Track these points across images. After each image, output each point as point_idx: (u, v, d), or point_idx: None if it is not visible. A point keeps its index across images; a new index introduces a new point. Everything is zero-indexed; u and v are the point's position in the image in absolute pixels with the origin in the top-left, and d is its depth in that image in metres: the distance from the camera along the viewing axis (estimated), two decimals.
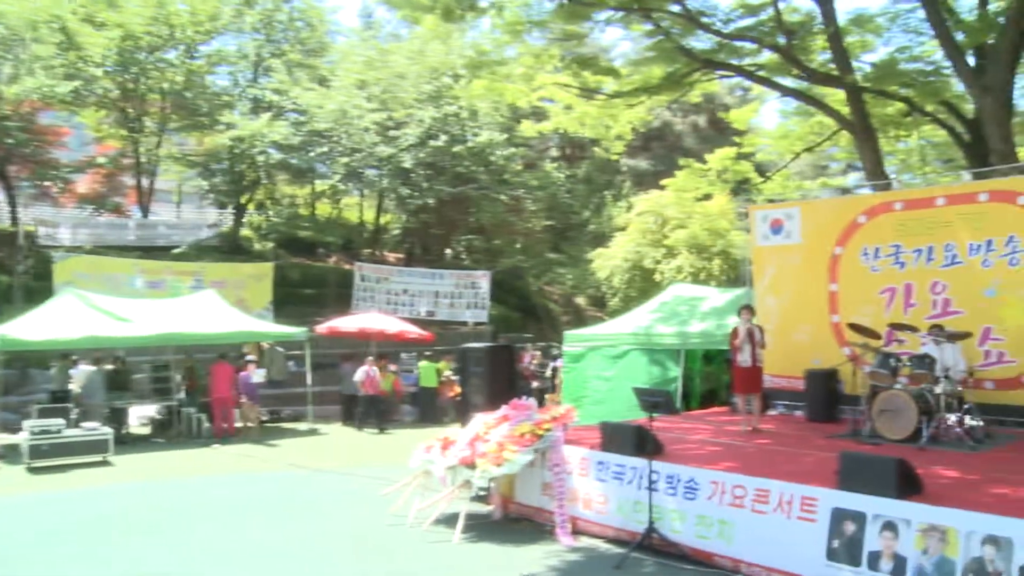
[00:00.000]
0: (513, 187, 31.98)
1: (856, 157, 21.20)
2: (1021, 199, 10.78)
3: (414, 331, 22.94)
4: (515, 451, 9.93)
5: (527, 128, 20.26)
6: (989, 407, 10.42)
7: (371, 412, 19.70)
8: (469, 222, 32.49)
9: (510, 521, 10.14)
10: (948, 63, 14.91)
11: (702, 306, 16.82)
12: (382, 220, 34.88)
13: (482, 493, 10.56)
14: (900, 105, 16.03)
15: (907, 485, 7.03)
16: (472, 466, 10.01)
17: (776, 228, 13.63)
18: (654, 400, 8.52)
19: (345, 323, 22.63)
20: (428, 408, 21.67)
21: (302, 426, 19.88)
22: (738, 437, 10.81)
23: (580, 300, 37.40)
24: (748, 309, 11.38)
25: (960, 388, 10.16)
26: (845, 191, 12.93)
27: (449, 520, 9.58)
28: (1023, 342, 10.69)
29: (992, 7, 15.20)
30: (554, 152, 39.54)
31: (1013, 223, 10.83)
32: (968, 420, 9.91)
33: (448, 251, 33.76)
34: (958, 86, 16.01)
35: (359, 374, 19.57)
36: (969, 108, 15.74)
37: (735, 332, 11.39)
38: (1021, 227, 10.76)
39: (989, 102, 13.10)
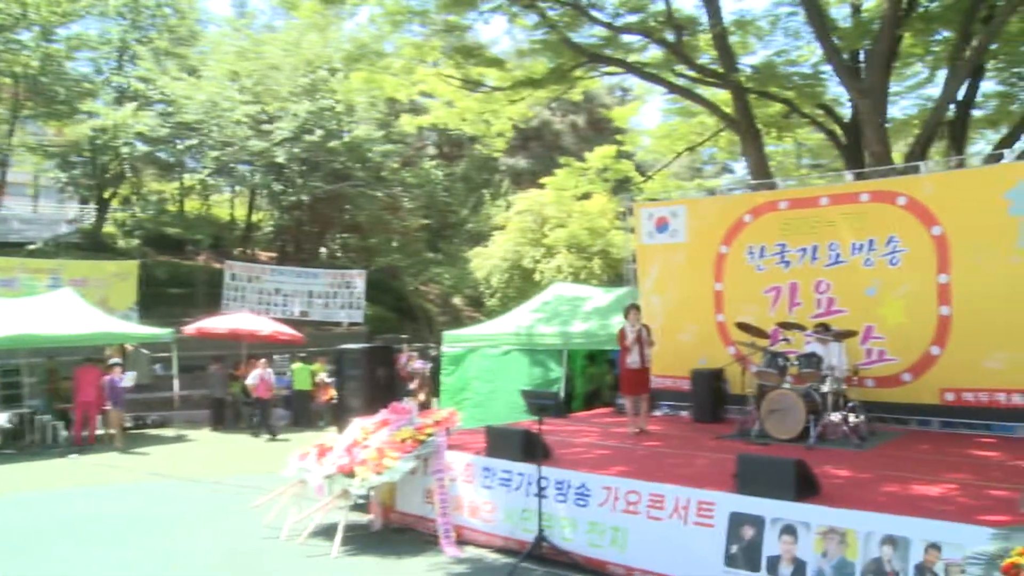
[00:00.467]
0: (390, 185, 31.39)
1: (733, 157, 21.62)
2: (900, 200, 10.97)
3: (287, 332, 22.02)
4: (396, 458, 9.50)
5: (406, 123, 19.67)
6: (870, 405, 10.56)
7: (266, 417, 18.86)
8: (344, 220, 31.66)
9: (391, 531, 9.65)
10: (827, 67, 15.23)
11: (584, 306, 16.67)
12: (254, 217, 33.60)
13: (361, 502, 9.98)
14: (780, 106, 16.26)
15: (805, 487, 6.89)
16: (351, 474, 9.49)
17: (661, 226, 13.55)
18: (542, 402, 8.14)
19: (215, 324, 21.58)
20: (302, 412, 20.91)
21: (169, 432, 18.86)
22: (627, 439, 10.61)
23: (457, 300, 36.98)
24: (636, 309, 11.18)
25: (845, 386, 10.22)
26: (731, 190, 12.92)
27: (327, 532, 9.03)
28: (902, 341, 10.87)
29: (864, 15, 15.62)
30: (432, 150, 39.01)
31: (893, 223, 11.01)
32: (852, 418, 9.96)
33: (323, 250, 32.77)
34: (835, 89, 16.43)
35: (252, 377, 18.45)
36: (846, 112, 16.10)
37: (623, 333, 11.19)
38: (901, 227, 10.94)
39: (866, 104, 13.37)
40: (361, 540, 9.10)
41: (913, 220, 10.85)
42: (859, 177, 11.87)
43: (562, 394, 15.30)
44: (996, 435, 10.27)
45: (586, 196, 26.62)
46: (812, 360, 10.07)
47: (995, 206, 10.21)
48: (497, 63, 16.64)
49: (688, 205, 13.43)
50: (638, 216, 13.89)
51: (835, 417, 9.94)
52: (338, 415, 12.50)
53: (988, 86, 17.33)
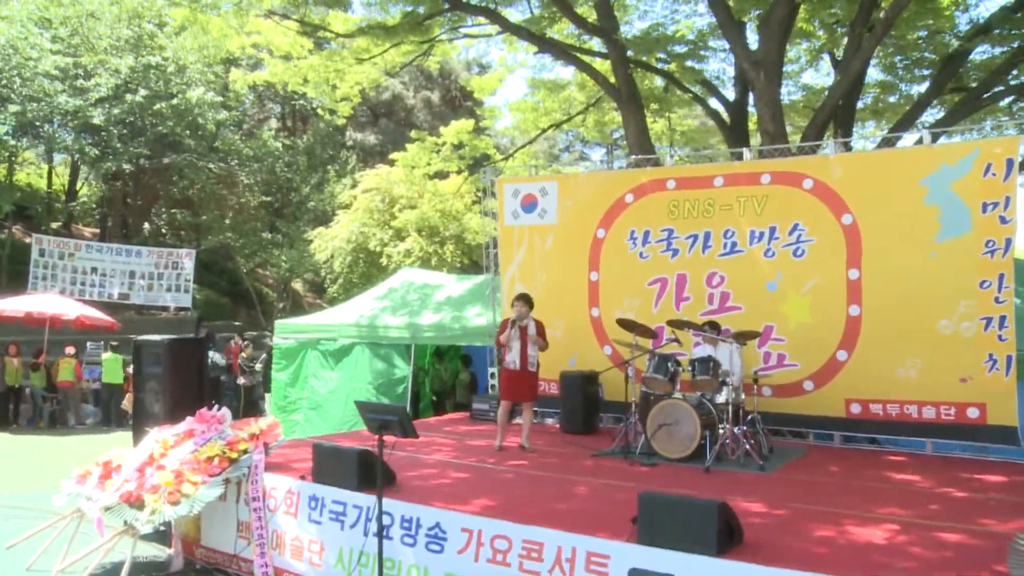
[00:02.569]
0: (225, 156, 28.87)
1: (601, 139, 20.37)
2: (807, 183, 9.78)
3: (96, 316, 19.35)
4: (197, 483, 7.66)
5: (237, 80, 17.29)
6: (765, 416, 9.26)
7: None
8: (172, 194, 28.87)
9: (197, 573, 7.98)
10: (712, 40, 14.10)
11: (436, 295, 15.09)
12: (80, 191, 30.24)
13: (162, 529, 7.95)
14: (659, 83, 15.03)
15: (728, 536, 5.38)
16: (139, 504, 7.54)
17: (528, 205, 12.02)
18: (383, 418, 6.33)
19: (10, 305, 18.65)
20: (113, 409, 18.50)
21: None
22: (489, 457, 8.95)
23: (298, 286, 34.70)
24: (522, 300, 9.51)
25: (743, 396, 8.90)
26: (611, 166, 11.46)
27: (113, 571, 7.20)
28: (805, 344, 9.70)
29: None
30: (275, 123, 36.41)
31: (798, 209, 9.81)
32: (750, 433, 8.68)
33: (146, 225, 29.71)
34: (716, 67, 15.34)
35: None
36: (730, 92, 15.04)
37: (502, 326, 9.57)
38: (807, 214, 9.76)
39: (761, 78, 12.20)
40: None
41: (821, 206, 9.67)
42: (762, 156, 10.59)
43: (408, 396, 13.66)
44: (905, 452, 9.31)
45: (440, 176, 24.99)
46: (708, 365, 8.70)
47: (911, 194, 9.14)
48: (340, 3, 14.59)
49: (560, 181, 11.91)
50: (501, 193, 12.29)
51: (734, 432, 8.60)
52: (136, 422, 10.26)
53: (872, 73, 16.69)
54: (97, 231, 30.58)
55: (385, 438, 6.41)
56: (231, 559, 7.80)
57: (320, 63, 15.97)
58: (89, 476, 8.06)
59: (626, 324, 9.59)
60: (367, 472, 6.83)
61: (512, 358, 9.35)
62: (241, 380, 19.93)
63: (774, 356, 9.90)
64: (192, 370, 9.77)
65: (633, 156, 11.94)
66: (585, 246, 11.39)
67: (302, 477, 7.46)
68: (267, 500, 7.56)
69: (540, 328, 9.49)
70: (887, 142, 10.22)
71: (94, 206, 30.67)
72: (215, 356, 20.37)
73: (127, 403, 17.44)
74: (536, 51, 15.20)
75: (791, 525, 6.10)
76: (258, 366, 19.19)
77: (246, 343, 21.23)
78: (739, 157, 10.55)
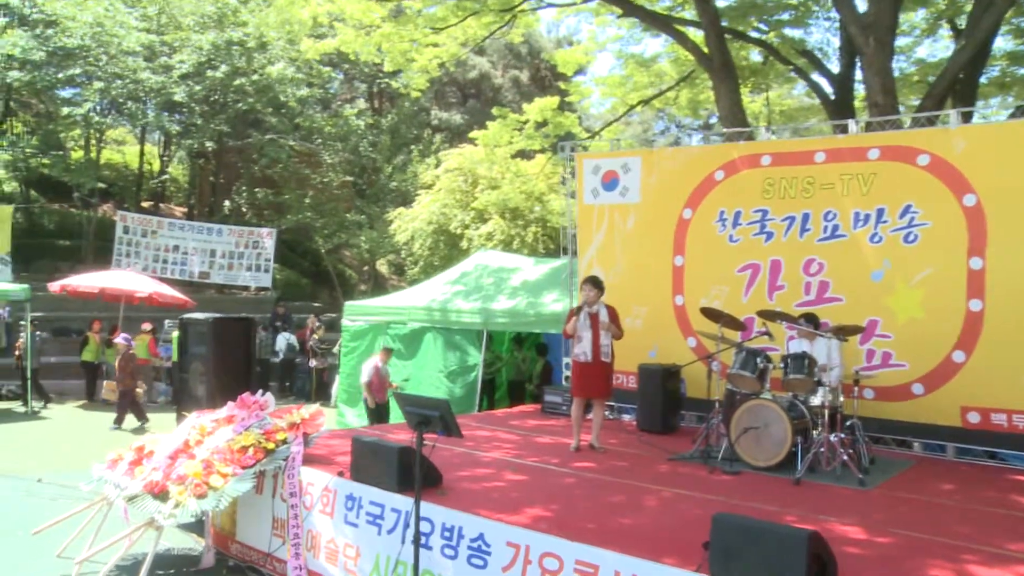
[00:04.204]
0: (307, 134, 28.64)
1: (695, 116, 19.30)
2: (922, 159, 8.67)
3: (171, 293, 19.26)
4: (227, 475, 7.08)
5: (308, 48, 16.80)
6: (866, 421, 8.22)
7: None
8: (254, 172, 28.78)
9: (229, 570, 7.43)
10: (815, 6, 12.95)
11: (511, 278, 14.45)
12: (172, 171, 30.62)
13: (193, 519, 7.53)
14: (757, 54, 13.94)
15: (819, 573, 4.49)
16: (163, 496, 7.05)
17: (610, 183, 11.21)
18: (425, 413, 5.62)
19: (84, 281, 18.78)
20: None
21: (19, 407, 16.19)
22: (552, 458, 8.16)
23: (383, 267, 34.40)
24: (592, 283, 8.65)
25: (842, 399, 7.89)
26: (700, 138, 10.47)
27: (135, 568, 6.72)
28: (915, 342, 8.63)
29: None
30: (362, 104, 36.20)
31: (911, 189, 8.72)
32: (849, 441, 7.69)
33: (227, 203, 29.75)
34: (822, 36, 14.18)
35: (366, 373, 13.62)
36: (835, 65, 13.85)
37: (570, 313, 8.75)
38: (921, 194, 8.66)
39: (870, 44, 11.03)
40: None
41: (938, 185, 8.54)
42: (869, 128, 9.48)
43: (478, 386, 13.04)
44: None
45: (524, 156, 24.24)
46: (803, 362, 7.74)
47: None
48: None
49: (644, 156, 11.01)
50: (581, 169, 11.50)
51: (831, 440, 7.63)
52: (178, 405, 9.84)
53: (999, 44, 15.18)
54: (185, 210, 30.81)
55: (427, 437, 5.72)
56: (265, 558, 7.30)
57: (394, 31, 15.34)
58: (120, 461, 7.64)
59: (712, 314, 8.70)
60: (409, 471, 6.12)
61: (583, 349, 8.51)
62: (313, 363, 19.68)
63: (878, 354, 8.83)
64: (239, 351, 9.25)
65: (725, 129, 10.95)
66: (670, 228, 10.53)
67: (340, 473, 6.86)
68: (303, 496, 7.01)
69: (613, 314, 8.62)
70: (1021, 111, 9.00)
71: (181, 185, 30.91)
72: (290, 338, 20.19)
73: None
74: (621, 14, 14.17)
75: (897, 560, 5.14)
76: (335, 348, 18.78)
77: (319, 324, 20.98)
78: (844, 130, 9.47)
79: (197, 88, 25.34)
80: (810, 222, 9.33)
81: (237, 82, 25.72)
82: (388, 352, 12.65)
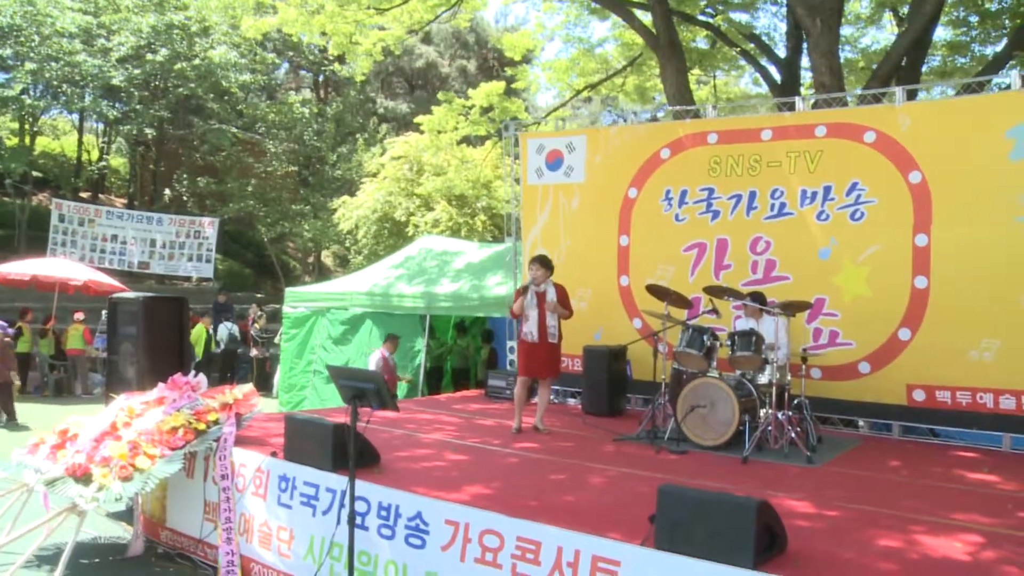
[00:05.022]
0: (251, 123, 28.09)
1: (640, 102, 19.20)
2: (869, 136, 8.59)
3: (107, 281, 18.58)
4: (154, 456, 6.72)
5: (249, 28, 16.32)
6: (814, 401, 8.13)
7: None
8: (195, 160, 28.11)
9: (156, 558, 7.14)
10: None
11: (455, 262, 14.31)
12: (110, 159, 29.80)
13: (119, 504, 7.18)
14: (704, 36, 13.83)
15: (768, 544, 4.33)
16: (85, 479, 6.65)
17: (554, 162, 11.00)
18: (359, 386, 5.35)
19: (16, 268, 18.06)
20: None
21: None
22: (493, 439, 7.95)
23: (329, 259, 33.90)
24: (540, 262, 8.43)
25: (789, 378, 7.76)
26: (645, 118, 10.29)
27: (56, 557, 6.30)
28: (862, 320, 8.55)
29: None
30: (308, 93, 35.60)
31: (857, 166, 8.63)
32: (796, 419, 7.60)
33: (167, 192, 29.00)
34: (769, 21, 14.13)
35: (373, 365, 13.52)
36: (782, 51, 13.80)
37: (517, 293, 8.55)
38: (867, 172, 8.58)
39: (817, 25, 10.98)
40: (107, 571, 6.42)
41: (885, 163, 8.47)
42: (814, 108, 9.38)
43: (421, 371, 12.78)
44: (978, 447, 8.10)
45: (470, 143, 23.98)
46: (751, 340, 7.61)
47: (993, 148, 7.92)
48: None
49: (589, 135, 10.83)
50: (525, 149, 11.29)
51: (779, 418, 7.51)
52: (107, 389, 9.42)
53: (939, 34, 15.31)
54: (125, 200, 30.05)
55: (362, 411, 5.45)
56: (196, 544, 6.95)
57: (338, 12, 14.97)
58: (41, 445, 7.21)
59: (657, 291, 8.50)
60: (344, 449, 5.82)
61: (529, 329, 8.29)
62: (254, 352, 19.26)
63: (825, 333, 8.75)
64: (171, 332, 8.85)
65: (670, 107, 10.80)
66: (615, 207, 10.34)
67: (273, 454, 6.55)
68: (236, 479, 6.68)
69: (562, 293, 8.41)
70: (966, 88, 8.96)
71: (121, 175, 30.08)
72: (232, 328, 19.68)
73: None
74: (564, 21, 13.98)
75: (847, 532, 5.02)
76: (277, 339, 18.38)
77: (260, 313, 20.54)
78: (790, 108, 9.38)
79: (136, 72, 24.75)
80: (757, 200, 9.21)
81: (178, 66, 25.15)
82: (395, 341, 12.24)
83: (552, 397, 10.38)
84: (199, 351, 17.91)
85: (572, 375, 10.39)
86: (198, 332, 17.96)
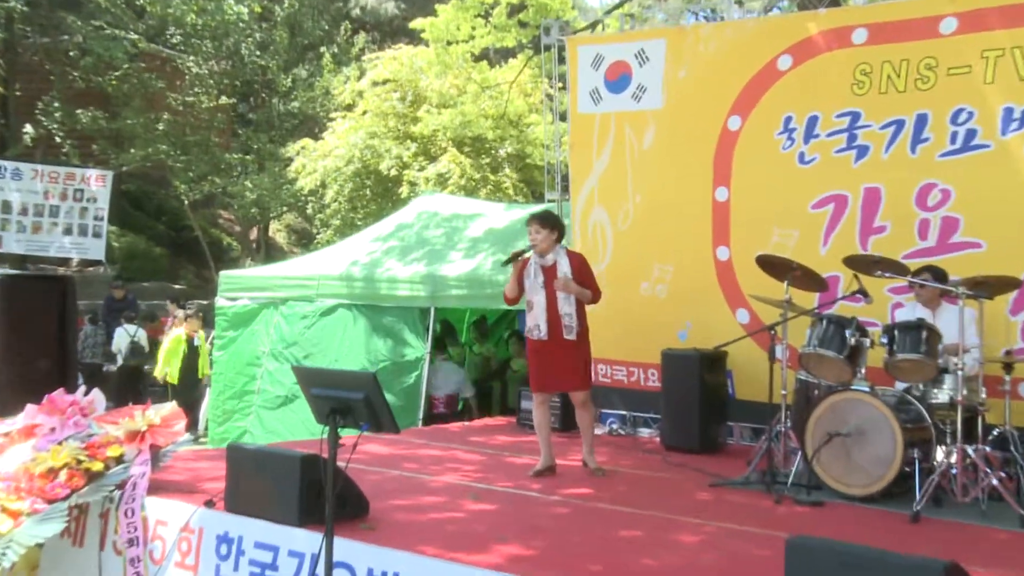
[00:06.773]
0: (160, 31, 28.44)
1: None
2: None
3: None
4: (21, 512, 6.93)
5: None
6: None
7: None
8: (72, 82, 28.45)
9: None
10: None
11: (470, 230, 14.68)
12: None
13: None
14: None
15: None
16: None
17: (618, 80, 11.30)
18: (341, 397, 5.36)
19: None
20: None
21: None
22: (534, 482, 8.19)
23: (279, 234, 34.34)
24: (540, 220, 8.45)
25: (983, 394, 7.84)
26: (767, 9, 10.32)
27: None
28: None
29: None
30: None
31: None
32: (997, 459, 7.60)
33: (28, 129, 29.33)
34: None
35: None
36: None
37: (516, 269, 8.57)
38: None
39: None
40: None
41: None
42: None
43: (423, 391, 13.10)
44: None
45: (490, 59, 24.17)
46: (920, 337, 7.57)
47: None
48: None
49: (670, 39, 11.07)
50: (574, 62, 11.65)
51: (968, 454, 7.46)
52: None
53: None
54: None
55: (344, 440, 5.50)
56: None
57: None
58: None
59: (775, 266, 8.60)
60: (317, 492, 5.86)
61: (535, 321, 8.36)
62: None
63: None
64: (48, 326, 8.96)
65: None
66: (709, 146, 10.52)
67: (208, 503, 6.73)
68: (150, 544, 6.85)
69: (581, 265, 8.48)
70: None
71: None
72: (136, 334, 19.87)
73: None
74: None
75: None
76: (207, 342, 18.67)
77: (188, 313, 20.74)
78: None
79: None
80: (929, 128, 9.21)
81: None
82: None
83: (616, 426, 10.53)
84: (173, 374, 17.92)
85: (647, 393, 10.70)
86: (174, 344, 18.02)
